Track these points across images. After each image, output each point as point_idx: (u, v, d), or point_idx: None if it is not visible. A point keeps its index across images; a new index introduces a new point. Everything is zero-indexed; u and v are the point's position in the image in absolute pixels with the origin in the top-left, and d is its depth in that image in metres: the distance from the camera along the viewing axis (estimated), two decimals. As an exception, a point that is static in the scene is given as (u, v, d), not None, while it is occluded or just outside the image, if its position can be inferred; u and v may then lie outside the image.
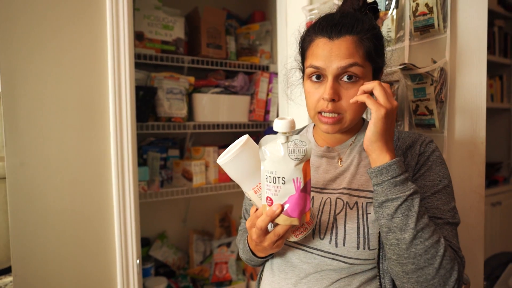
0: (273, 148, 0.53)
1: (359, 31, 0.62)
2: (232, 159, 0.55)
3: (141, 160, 1.66)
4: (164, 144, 1.75)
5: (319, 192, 0.68)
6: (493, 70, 2.27)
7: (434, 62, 0.85)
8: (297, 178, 0.52)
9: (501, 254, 1.80)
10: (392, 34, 0.93)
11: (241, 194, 1.95)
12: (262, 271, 0.77)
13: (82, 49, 1.11)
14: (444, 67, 0.84)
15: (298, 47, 0.72)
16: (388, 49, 0.73)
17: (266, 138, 0.55)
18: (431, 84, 0.83)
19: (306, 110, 0.70)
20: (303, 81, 0.72)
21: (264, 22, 1.92)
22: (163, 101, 1.61)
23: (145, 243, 1.77)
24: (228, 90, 1.83)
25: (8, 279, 1.19)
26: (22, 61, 1.03)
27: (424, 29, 0.86)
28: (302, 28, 0.72)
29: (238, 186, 0.61)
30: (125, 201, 1.19)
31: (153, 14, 1.62)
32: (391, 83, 0.95)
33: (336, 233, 0.62)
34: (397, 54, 0.93)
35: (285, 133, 0.53)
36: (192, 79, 1.70)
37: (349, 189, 0.66)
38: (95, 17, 1.13)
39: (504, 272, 1.64)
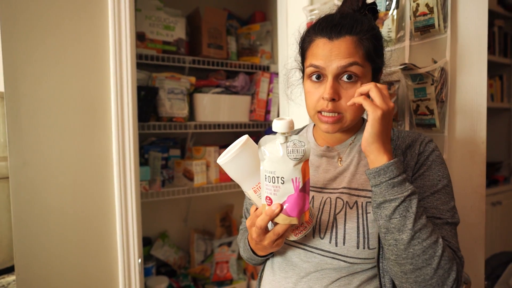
0: (272, 148, 0.53)
1: (359, 32, 0.63)
2: (232, 159, 0.55)
3: (143, 159, 1.66)
4: (165, 144, 1.76)
5: (319, 192, 0.69)
6: (493, 70, 2.27)
7: (435, 62, 0.86)
8: (296, 178, 0.53)
9: (502, 253, 1.80)
10: (393, 34, 0.94)
11: (241, 194, 1.96)
12: (263, 270, 0.77)
13: (85, 50, 1.12)
14: (445, 67, 0.84)
15: (298, 47, 0.72)
16: (387, 49, 0.73)
17: (265, 138, 0.55)
18: (432, 84, 0.84)
19: (306, 110, 0.71)
20: (303, 81, 0.72)
21: (264, 23, 1.93)
22: (164, 101, 1.62)
23: (146, 242, 1.77)
24: (229, 90, 1.83)
25: (11, 278, 1.19)
26: (25, 62, 1.03)
27: (425, 29, 0.87)
28: (302, 29, 0.72)
29: (239, 186, 0.61)
30: (126, 201, 1.19)
31: (154, 14, 1.62)
32: (391, 83, 0.95)
33: (336, 233, 0.63)
34: (397, 54, 0.93)
35: (284, 133, 0.53)
36: (193, 79, 1.71)
37: (349, 188, 0.66)
38: (97, 18, 1.13)
39: (504, 272, 1.64)
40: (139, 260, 1.22)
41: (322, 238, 0.63)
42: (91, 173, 1.14)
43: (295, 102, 0.88)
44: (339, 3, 0.74)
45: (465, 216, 0.83)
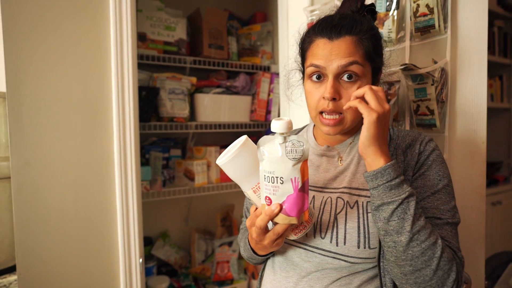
0: (271, 149, 0.54)
1: (358, 32, 0.63)
2: (231, 159, 0.56)
3: (144, 159, 1.67)
4: (166, 144, 1.76)
5: (320, 191, 0.69)
6: (493, 70, 2.27)
7: (435, 62, 0.86)
8: (295, 178, 0.53)
9: (502, 253, 1.80)
10: (393, 35, 0.94)
11: (242, 194, 1.96)
12: (264, 269, 0.77)
13: (86, 50, 1.12)
14: (445, 67, 0.85)
15: (298, 48, 0.73)
16: (387, 49, 0.74)
17: (264, 138, 0.56)
18: (432, 84, 0.84)
19: (307, 110, 0.71)
20: (303, 82, 0.72)
21: (265, 23, 1.93)
22: (165, 101, 1.62)
23: (147, 242, 1.78)
24: (229, 90, 1.84)
25: (12, 277, 1.20)
26: (26, 62, 1.04)
27: (425, 29, 0.87)
28: (302, 30, 0.73)
29: (240, 186, 0.62)
30: (128, 201, 1.20)
31: (155, 15, 1.63)
32: (392, 83, 0.96)
33: (337, 232, 0.63)
34: (397, 55, 0.93)
35: (282, 133, 0.53)
36: (194, 79, 1.71)
37: (350, 188, 0.66)
38: (99, 18, 1.14)
39: (505, 272, 1.64)
40: (140, 260, 1.22)
41: (323, 238, 0.64)
42: (93, 173, 1.15)
43: (296, 103, 0.88)
44: (340, 4, 0.75)
45: (465, 216, 0.83)
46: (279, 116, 1.85)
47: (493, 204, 2.13)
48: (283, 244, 0.67)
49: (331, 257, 0.63)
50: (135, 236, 1.21)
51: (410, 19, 0.90)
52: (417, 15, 0.88)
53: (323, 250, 0.64)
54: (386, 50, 0.73)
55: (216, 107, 1.75)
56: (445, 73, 0.85)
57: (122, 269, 1.20)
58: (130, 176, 1.20)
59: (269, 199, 0.55)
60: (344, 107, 0.62)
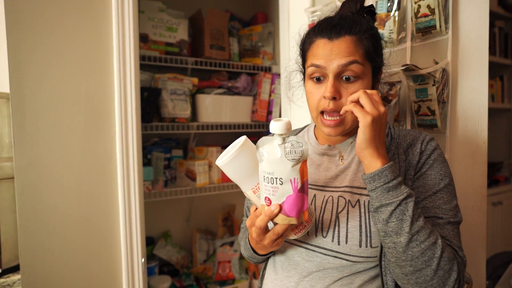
0: (270, 149, 0.54)
1: (358, 32, 0.64)
2: (230, 160, 0.56)
3: (145, 160, 1.67)
4: (168, 144, 1.77)
5: (321, 190, 0.69)
6: (493, 70, 2.27)
7: (436, 63, 0.86)
8: (294, 179, 0.53)
9: (503, 253, 1.80)
10: (394, 36, 0.94)
11: (243, 194, 1.96)
12: (265, 268, 0.77)
13: (89, 52, 1.13)
14: (446, 68, 0.85)
15: (299, 49, 0.73)
16: (387, 49, 0.74)
17: (263, 139, 0.56)
18: (433, 85, 0.84)
19: (308, 111, 0.71)
20: (304, 83, 0.73)
21: (266, 24, 1.93)
22: (167, 102, 1.63)
23: (149, 242, 1.78)
24: (231, 91, 1.84)
25: (16, 277, 1.20)
26: (29, 64, 1.04)
27: (426, 30, 0.88)
28: (303, 31, 0.73)
29: (240, 186, 0.62)
30: (130, 201, 1.20)
31: (157, 16, 1.63)
32: (393, 84, 0.96)
33: (339, 231, 0.63)
34: (396, 55, 0.93)
35: (281, 134, 0.53)
36: (195, 80, 1.72)
37: (351, 187, 0.67)
38: (101, 20, 1.14)
39: (505, 272, 1.64)
40: (142, 260, 1.23)
41: (324, 237, 0.64)
42: (95, 173, 1.15)
43: (297, 104, 0.89)
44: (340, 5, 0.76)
45: (466, 216, 0.83)
46: (280, 116, 1.85)
47: (494, 204, 2.13)
48: (283, 243, 0.68)
49: (332, 256, 0.63)
50: (137, 236, 1.21)
51: (411, 20, 0.91)
52: (418, 16, 0.88)
53: (325, 249, 0.64)
54: (386, 50, 0.73)
55: (217, 108, 1.76)
56: (446, 74, 0.85)
57: (125, 269, 1.20)
58: (132, 176, 1.20)
59: (269, 199, 0.55)
60: (341, 112, 0.62)
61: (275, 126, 0.53)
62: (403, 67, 0.86)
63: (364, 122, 0.57)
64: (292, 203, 0.54)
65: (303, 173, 0.54)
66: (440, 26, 0.85)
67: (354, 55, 0.63)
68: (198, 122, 1.73)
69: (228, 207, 2.09)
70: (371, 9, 0.71)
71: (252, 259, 0.76)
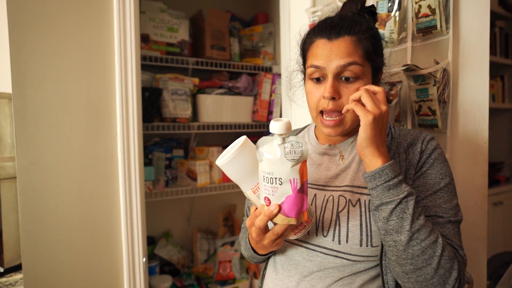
0: (270, 150, 0.54)
1: (357, 32, 0.64)
2: (230, 160, 0.56)
3: (146, 160, 1.68)
4: (169, 144, 1.77)
5: (322, 190, 0.69)
6: (494, 70, 2.27)
7: (437, 63, 0.86)
8: (294, 179, 0.53)
9: (504, 253, 1.80)
10: (395, 36, 0.94)
11: (244, 194, 1.97)
12: (265, 268, 0.77)
13: (91, 52, 1.13)
14: (447, 68, 0.85)
15: (299, 49, 0.74)
16: (388, 49, 0.74)
17: (263, 139, 0.56)
18: (434, 85, 0.84)
19: (308, 111, 0.72)
20: (304, 83, 0.73)
21: (267, 24, 1.94)
22: (168, 102, 1.63)
23: (150, 241, 1.78)
24: (231, 91, 1.84)
25: (18, 276, 1.20)
26: (32, 64, 1.05)
27: (427, 30, 0.88)
28: (303, 31, 0.74)
29: (241, 186, 0.62)
30: (131, 200, 1.21)
31: (158, 16, 1.64)
32: (394, 84, 0.96)
33: (339, 231, 0.63)
34: (396, 55, 0.93)
35: (281, 134, 0.54)
36: (196, 80, 1.72)
37: (352, 186, 0.67)
38: (102, 20, 1.15)
39: (506, 272, 1.64)
40: (144, 259, 1.23)
41: (325, 236, 0.64)
42: (97, 173, 1.16)
43: (297, 103, 0.89)
44: (341, 5, 0.76)
45: (467, 216, 0.83)
46: (281, 116, 1.86)
47: (494, 204, 2.13)
48: (284, 243, 0.68)
49: (333, 255, 0.63)
50: (139, 235, 1.22)
51: (412, 20, 0.91)
52: (419, 16, 0.88)
53: (325, 248, 0.64)
54: (387, 50, 0.73)
55: (218, 108, 1.76)
56: (447, 74, 0.85)
57: (126, 268, 1.21)
58: (134, 176, 1.20)
59: (268, 199, 0.55)
60: (343, 111, 0.63)
61: (275, 126, 0.53)
62: (404, 67, 0.86)
63: (365, 120, 0.57)
64: (292, 204, 0.54)
65: (302, 173, 0.54)
66: (440, 26, 0.85)
67: (353, 56, 0.63)
68: (199, 122, 1.74)
69: (229, 207, 2.09)
70: (372, 9, 0.71)
71: (252, 259, 0.77)
